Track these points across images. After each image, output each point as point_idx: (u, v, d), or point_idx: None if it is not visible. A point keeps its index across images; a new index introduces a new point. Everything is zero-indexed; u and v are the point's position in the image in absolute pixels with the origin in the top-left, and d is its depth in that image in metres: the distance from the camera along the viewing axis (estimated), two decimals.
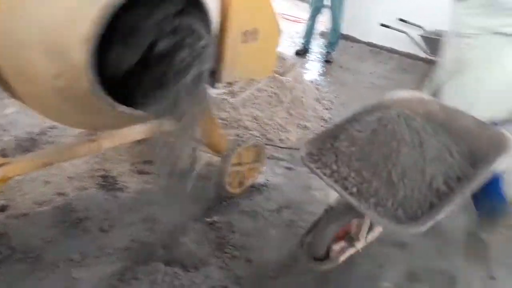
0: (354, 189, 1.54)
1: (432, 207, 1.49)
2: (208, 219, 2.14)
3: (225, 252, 1.95)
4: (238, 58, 1.94)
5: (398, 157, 1.59)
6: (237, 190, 2.35)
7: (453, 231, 2.34)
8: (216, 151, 2.24)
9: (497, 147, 1.64)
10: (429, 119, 1.76)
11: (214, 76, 1.87)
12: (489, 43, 1.93)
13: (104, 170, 2.42)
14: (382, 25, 4.98)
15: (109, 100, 1.35)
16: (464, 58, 2.01)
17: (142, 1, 1.36)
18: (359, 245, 1.85)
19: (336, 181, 1.57)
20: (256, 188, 2.47)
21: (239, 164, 2.27)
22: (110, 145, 1.92)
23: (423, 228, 1.39)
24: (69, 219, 2.02)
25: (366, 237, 1.88)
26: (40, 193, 2.16)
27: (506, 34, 1.89)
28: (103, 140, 1.87)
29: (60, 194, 2.18)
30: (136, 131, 1.97)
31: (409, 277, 2.00)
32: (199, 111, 1.80)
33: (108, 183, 2.32)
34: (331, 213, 1.78)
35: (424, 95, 1.94)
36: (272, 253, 2.01)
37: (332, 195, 1.89)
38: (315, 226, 1.88)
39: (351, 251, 1.85)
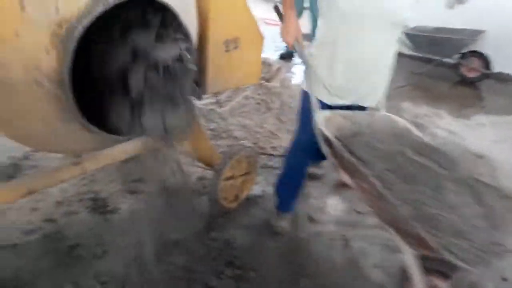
0: (470, 255, 1.26)
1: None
2: (206, 237, 2.06)
3: (226, 271, 1.88)
4: (221, 67, 1.90)
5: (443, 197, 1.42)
6: (233, 204, 2.27)
7: None
8: (207, 164, 2.18)
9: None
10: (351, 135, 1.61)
11: (199, 87, 1.82)
12: None
13: (93, 192, 2.34)
14: None
15: (93, 128, 1.29)
16: None
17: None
18: None
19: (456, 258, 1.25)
20: (252, 200, 2.40)
21: (233, 177, 2.19)
22: (95, 166, 1.82)
23: None
24: (60, 247, 1.93)
25: None
26: (27, 221, 2.07)
27: None
28: (87, 163, 1.77)
29: (48, 221, 2.09)
30: (122, 150, 1.87)
31: None
32: (188, 124, 1.75)
33: (98, 205, 2.24)
34: None
35: (329, 112, 1.69)
36: (272, 268, 1.94)
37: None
38: None
39: None
